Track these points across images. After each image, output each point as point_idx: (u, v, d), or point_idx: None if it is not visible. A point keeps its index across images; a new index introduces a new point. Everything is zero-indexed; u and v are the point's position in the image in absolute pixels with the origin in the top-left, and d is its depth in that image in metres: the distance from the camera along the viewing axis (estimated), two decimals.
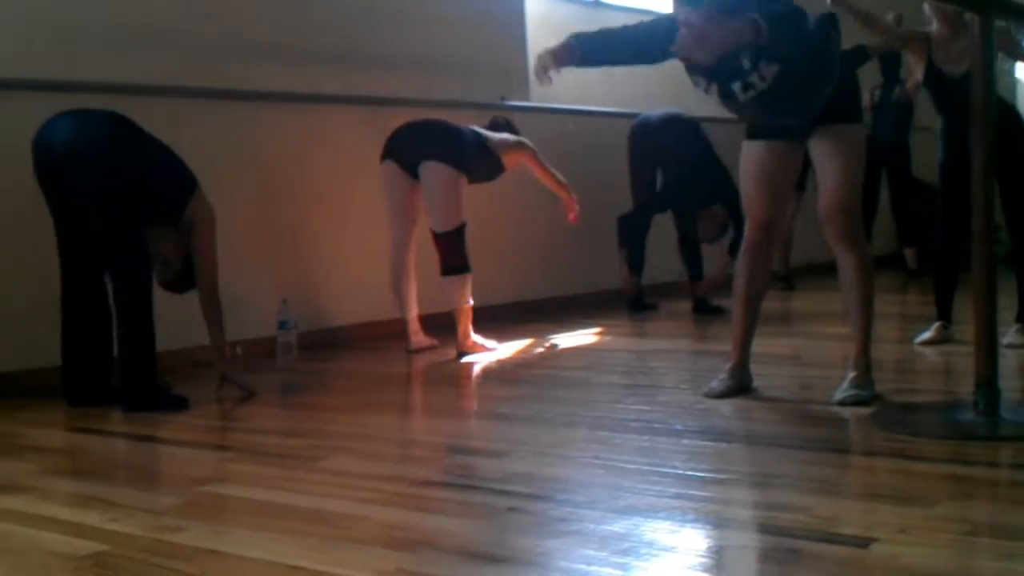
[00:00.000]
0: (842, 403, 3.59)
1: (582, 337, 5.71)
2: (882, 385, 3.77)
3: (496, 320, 6.08)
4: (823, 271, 7.68)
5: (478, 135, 5.36)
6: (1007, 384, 3.44)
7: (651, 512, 2.54)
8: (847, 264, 3.72)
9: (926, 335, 4.91)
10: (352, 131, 5.81)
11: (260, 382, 4.72)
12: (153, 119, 4.34)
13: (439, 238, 5.21)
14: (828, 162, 3.69)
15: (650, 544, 2.32)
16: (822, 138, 3.69)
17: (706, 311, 6.42)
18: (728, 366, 3.90)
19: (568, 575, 2.16)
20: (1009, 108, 4.97)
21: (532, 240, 6.80)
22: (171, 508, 2.74)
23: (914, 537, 2.27)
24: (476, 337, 5.29)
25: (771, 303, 6.32)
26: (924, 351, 4.81)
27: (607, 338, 5.71)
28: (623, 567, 2.18)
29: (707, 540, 2.33)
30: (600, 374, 4.57)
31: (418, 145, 5.23)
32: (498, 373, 4.78)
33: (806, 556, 2.21)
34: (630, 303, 6.68)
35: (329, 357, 5.32)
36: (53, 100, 4.35)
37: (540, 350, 5.32)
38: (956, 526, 2.33)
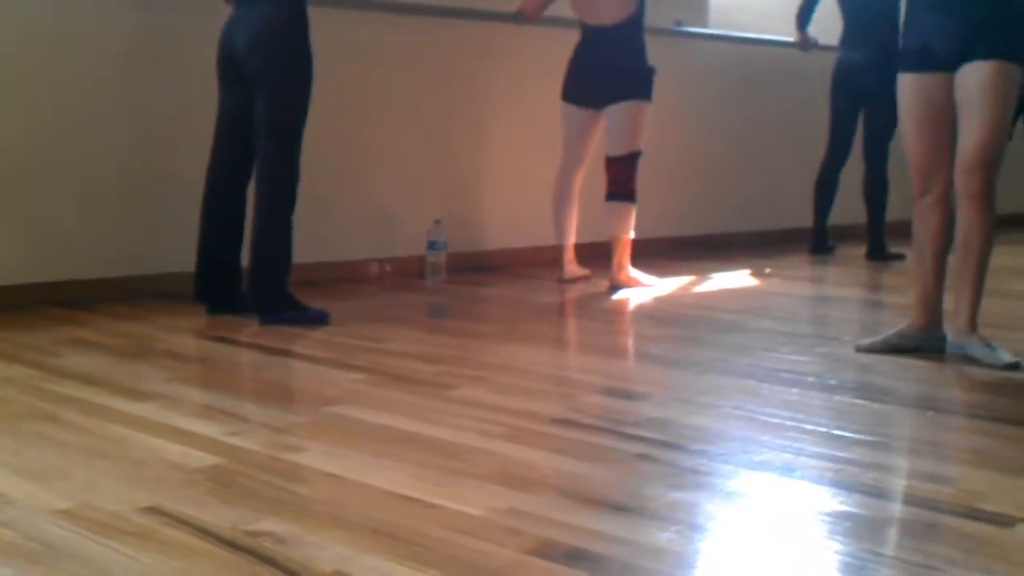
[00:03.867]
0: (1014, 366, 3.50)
1: (747, 278, 5.64)
2: None
3: (656, 254, 6.06)
4: None
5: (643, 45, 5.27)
6: None
7: (786, 470, 2.53)
8: (973, 226, 3.58)
9: None
10: (520, 51, 5.80)
11: (405, 303, 4.84)
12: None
13: (612, 162, 5.21)
14: (976, 107, 3.53)
15: (778, 505, 2.31)
16: (975, 76, 3.53)
17: (884, 258, 6.27)
18: (905, 324, 3.80)
19: (689, 530, 2.16)
20: None
21: (700, 171, 6.73)
22: (295, 427, 2.85)
23: None
24: (632, 271, 5.28)
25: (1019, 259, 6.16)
26: None
27: (774, 280, 5.63)
28: (743, 526, 2.18)
29: (840, 505, 2.30)
30: (759, 319, 4.52)
31: (604, 89, 5.18)
32: (651, 311, 4.78)
33: (943, 531, 2.17)
34: (812, 244, 6.58)
35: (478, 281, 5.39)
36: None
37: (702, 288, 5.28)
38: None
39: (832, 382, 3.40)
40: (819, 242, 6.58)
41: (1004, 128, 3.55)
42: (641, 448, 2.68)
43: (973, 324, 3.65)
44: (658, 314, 4.70)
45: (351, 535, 2.11)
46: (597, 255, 5.46)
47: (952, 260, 3.69)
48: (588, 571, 1.95)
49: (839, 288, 5.62)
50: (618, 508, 2.29)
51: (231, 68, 4.23)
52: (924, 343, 3.76)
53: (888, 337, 3.81)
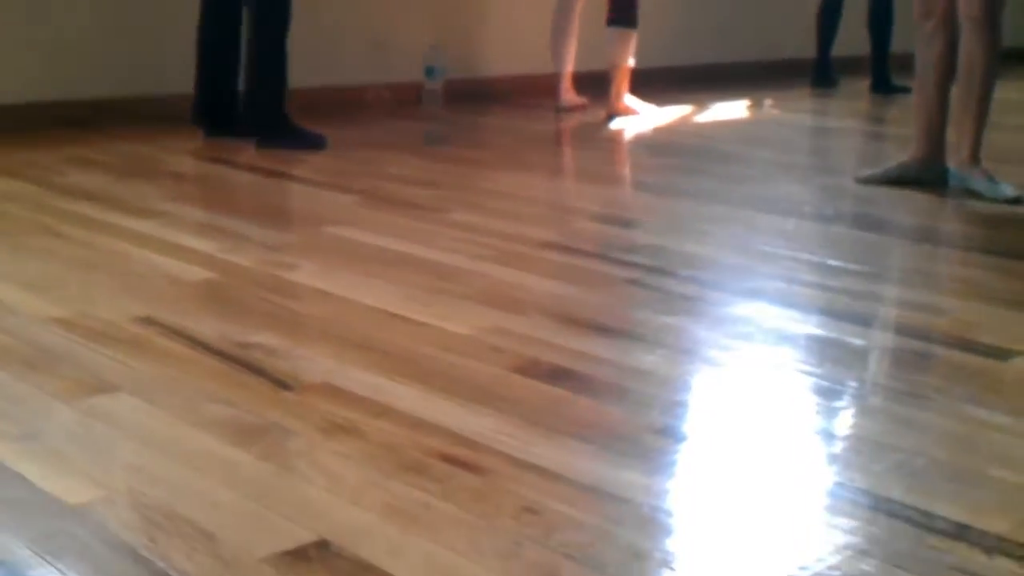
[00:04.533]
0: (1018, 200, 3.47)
1: (747, 109, 5.57)
2: None
3: (655, 84, 5.95)
4: None
5: None
6: None
7: (777, 298, 2.52)
8: (975, 52, 3.48)
9: None
10: None
11: (402, 129, 4.79)
12: None
13: None
14: None
15: (768, 332, 2.31)
16: None
17: (889, 90, 6.18)
18: (907, 155, 3.76)
19: (676, 353, 2.17)
20: None
21: None
22: (289, 245, 2.85)
23: None
24: (630, 99, 5.21)
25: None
26: None
27: (775, 111, 5.56)
28: (732, 350, 2.18)
29: (830, 332, 2.30)
30: (758, 149, 4.48)
31: None
32: (648, 140, 4.74)
33: (936, 361, 2.18)
34: (815, 76, 6.48)
35: (476, 110, 5.32)
36: None
37: (701, 118, 5.22)
38: None
39: (829, 213, 3.38)
40: (822, 74, 6.47)
41: None
42: (632, 273, 2.68)
43: (976, 156, 3.60)
44: (655, 143, 4.66)
45: (339, 349, 2.12)
46: (595, 83, 5.37)
47: (955, 89, 3.62)
48: (571, 390, 1.96)
49: (841, 120, 5.56)
50: (605, 330, 2.29)
51: None
52: (925, 175, 3.71)
53: (889, 169, 3.77)
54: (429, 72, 5.33)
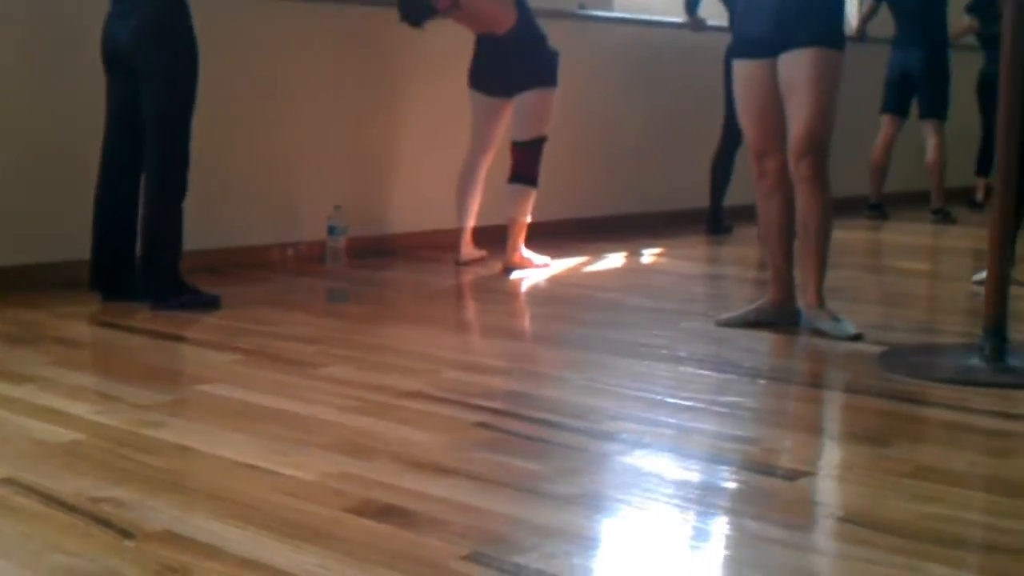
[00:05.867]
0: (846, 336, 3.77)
1: (636, 258, 5.87)
2: (910, 323, 3.91)
3: (560, 236, 6.24)
4: (921, 199, 7.74)
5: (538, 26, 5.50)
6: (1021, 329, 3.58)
7: (610, 434, 2.77)
8: (808, 208, 3.82)
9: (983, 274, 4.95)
10: (427, 36, 5.95)
11: (303, 287, 5.02)
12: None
13: (518, 146, 5.42)
14: (800, 94, 3.76)
15: (592, 462, 2.55)
16: (796, 63, 3.76)
17: None
18: (763, 299, 4.05)
19: (503, 488, 2.39)
20: None
21: (599, 153, 6.90)
22: (159, 404, 3.05)
23: (849, 474, 2.46)
24: (526, 252, 5.49)
25: (859, 233, 6.48)
26: (980, 291, 4.86)
27: (664, 260, 5.87)
28: (555, 482, 2.41)
29: (650, 465, 2.54)
30: (636, 297, 4.75)
31: (509, 79, 5.38)
32: (537, 291, 5.00)
33: (732, 485, 2.42)
34: (709, 224, 6.83)
35: (378, 266, 5.57)
36: None
37: (591, 268, 5.52)
38: (897, 467, 2.50)
39: (682, 354, 3.64)
40: (715, 222, 6.82)
41: (830, 113, 3.79)
42: (482, 417, 2.90)
43: (820, 299, 3.90)
44: (541, 294, 4.93)
45: (187, 499, 2.32)
46: (496, 238, 5.64)
47: (796, 241, 3.94)
48: (397, 525, 2.17)
49: (723, 266, 5.88)
50: (443, 470, 2.50)
51: (117, 61, 4.39)
52: (780, 317, 4.00)
53: (746, 312, 4.06)
54: (332, 231, 5.59)
